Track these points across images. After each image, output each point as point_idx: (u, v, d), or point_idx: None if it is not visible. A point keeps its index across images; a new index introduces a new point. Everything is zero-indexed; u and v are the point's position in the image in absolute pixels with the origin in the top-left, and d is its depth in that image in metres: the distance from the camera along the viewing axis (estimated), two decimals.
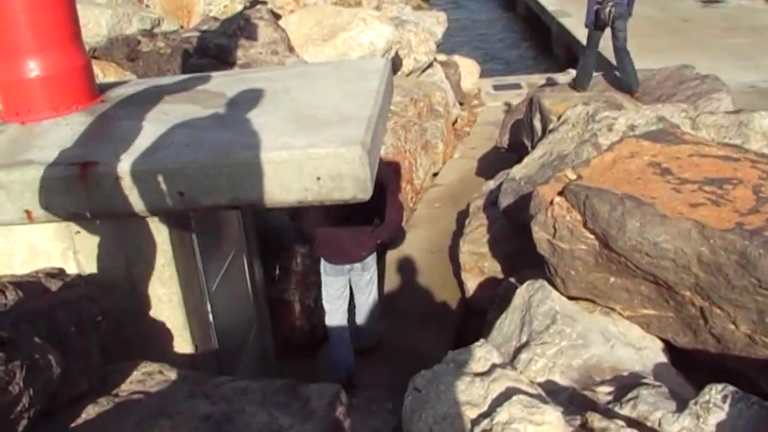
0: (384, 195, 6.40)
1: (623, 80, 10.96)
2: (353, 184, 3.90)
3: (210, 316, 5.04)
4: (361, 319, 7.14)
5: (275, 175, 3.91)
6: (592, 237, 4.58)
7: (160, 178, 3.98)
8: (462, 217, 8.55)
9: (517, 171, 6.85)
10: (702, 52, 18.68)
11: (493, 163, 10.99)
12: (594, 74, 12.20)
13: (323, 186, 3.92)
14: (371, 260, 6.82)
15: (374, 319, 7.20)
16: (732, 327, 4.25)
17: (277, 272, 7.29)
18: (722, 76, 10.13)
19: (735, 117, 6.68)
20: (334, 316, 6.87)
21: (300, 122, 4.29)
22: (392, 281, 8.37)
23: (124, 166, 4.00)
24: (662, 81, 10.23)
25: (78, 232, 4.32)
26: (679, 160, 5.02)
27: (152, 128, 4.47)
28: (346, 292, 6.89)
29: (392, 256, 8.86)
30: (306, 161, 3.89)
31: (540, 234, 4.87)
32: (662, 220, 4.25)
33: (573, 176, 4.97)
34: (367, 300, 7.02)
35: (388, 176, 6.62)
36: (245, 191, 3.98)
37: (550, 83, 14.60)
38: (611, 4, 11.10)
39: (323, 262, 6.76)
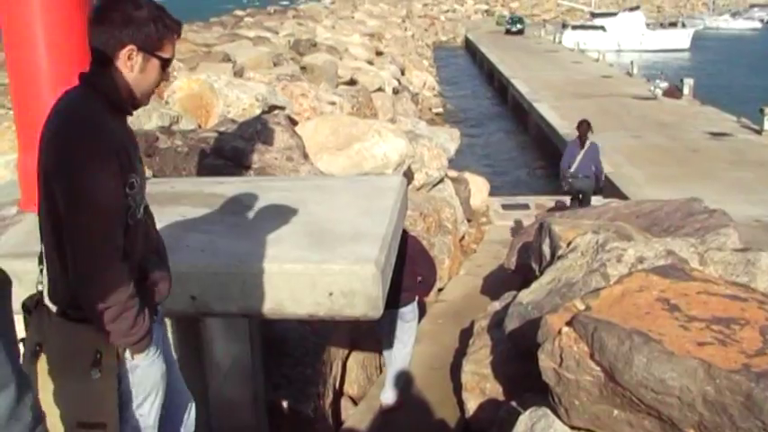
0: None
1: None
2: (365, 302, 3.94)
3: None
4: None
5: (288, 288, 3.96)
6: (598, 369, 4.57)
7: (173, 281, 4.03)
8: (465, 335, 8.53)
9: (524, 296, 6.86)
10: (709, 184, 18.94)
11: (498, 282, 11.01)
12: (605, 201, 12.52)
13: (335, 302, 3.95)
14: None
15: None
16: None
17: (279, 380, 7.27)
18: (729, 209, 10.23)
19: (742, 255, 6.72)
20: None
21: (315, 236, 4.35)
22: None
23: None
24: (671, 212, 10.30)
25: None
26: (687, 297, 5.04)
27: (168, 230, 4.52)
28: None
29: None
30: (319, 276, 3.93)
31: (546, 362, 4.86)
32: (669, 358, 4.26)
33: (582, 307, 4.99)
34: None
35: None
36: (257, 301, 4.01)
37: (559, 206, 14.83)
38: (580, 176, 12.95)
39: None
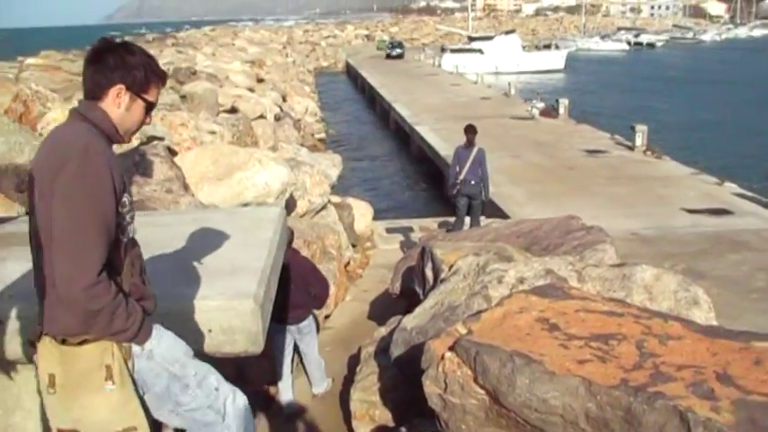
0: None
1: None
2: (245, 338, 3.88)
3: None
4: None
5: (165, 326, 3.86)
6: (482, 392, 4.59)
7: None
8: (353, 362, 8.48)
9: (409, 321, 6.86)
10: (587, 199, 19.38)
11: (385, 307, 11.01)
12: (487, 221, 12.69)
13: (213, 338, 3.88)
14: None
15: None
16: None
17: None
18: (606, 223, 10.45)
19: (618, 270, 6.88)
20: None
21: (193, 272, 4.26)
22: (280, 427, 8.21)
23: (5, 312, 3.90)
24: (550, 231, 10.47)
25: None
26: (566, 315, 5.11)
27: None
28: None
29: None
30: (197, 313, 3.85)
31: (431, 388, 4.86)
32: (550, 377, 4.30)
33: (464, 331, 5.00)
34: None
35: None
36: None
37: (443, 227, 14.97)
38: (470, 182, 14.35)
39: None
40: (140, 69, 3.46)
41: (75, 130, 3.33)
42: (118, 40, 3.59)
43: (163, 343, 3.54)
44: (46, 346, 3.36)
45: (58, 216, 3.16)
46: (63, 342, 3.32)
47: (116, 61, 3.40)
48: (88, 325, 3.25)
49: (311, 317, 8.68)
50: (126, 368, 3.37)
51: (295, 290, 8.06)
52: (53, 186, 3.17)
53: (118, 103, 3.41)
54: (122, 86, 3.40)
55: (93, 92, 3.42)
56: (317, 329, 9.10)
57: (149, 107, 3.55)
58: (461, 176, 14.43)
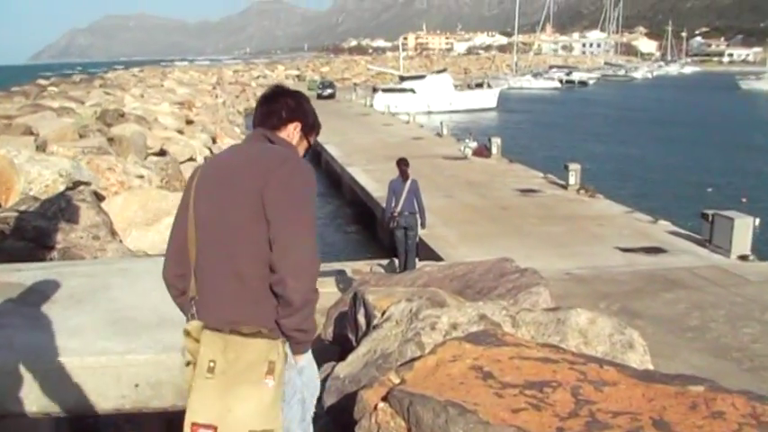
0: None
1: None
2: (174, 392, 3.83)
3: None
4: None
5: (91, 382, 3.81)
6: None
7: None
8: None
9: (341, 369, 6.83)
10: (521, 240, 19.51)
11: (317, 353, 10.87)
12: (420, 263, 12.75)
13: (141, 393, 3.83)
14: None
15: None
16: None
17: None
18: (540, 264, 10.55)
19: (553, 314, 6.93)
20: None
21: (119, 325, 4.21)
22: None
23: None
24: (483, 274, 10.53)
25: None
26: (500, 363, 5.14)
27: None
28: None
29: None
30: (124, 367, 3.81)
31: None
32: (485, 428, 4.31)
33: (397, 380, 5.00)
34: None
35: None
36: (59, 398, 3.84)
37: (376, 271, 15.02)
38: (406, 214, 14.70)
39: None
40: (312, 116, 4.07)
41: (270, 145, 3.84)
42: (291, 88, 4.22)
43: (312, 368, 3.88)
44: (209, 335, 3.54)
45: (285, 216, 3.52)
46: (233, 332, 3.53)
47: (297, 103, 4.00)
48: (303, 316, 3.56)
49: None
50: (283, 370, 3.56)
51: None
52: (267, 189, 3.52)
53: (291, 137, 3.96)
54: (299, 124, 3.98)
55: (273, 122, 3.93)
56: None
57: (306, 149, 4.09)
58: (398, 209, 14.80)
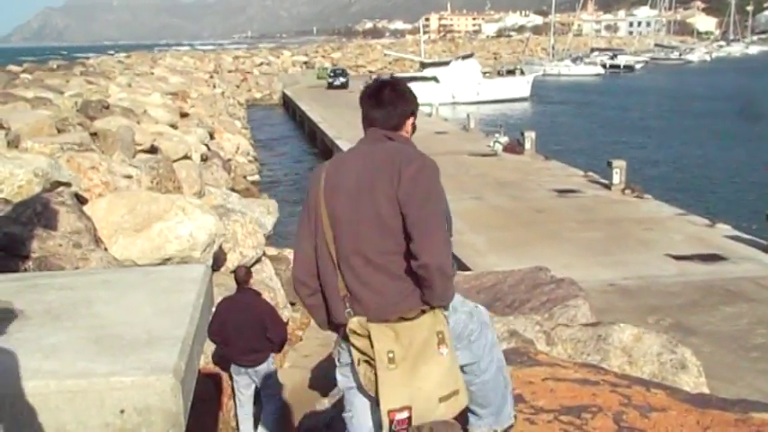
0: None
1: None
2: (164, 419, 3.81)
3: None
4: None
5: (70, 408, 3.78)
6: None
7: None
8: None
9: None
10: (557, 247, 19.39)
11: (328, 374, 10.93)
12: None
13: (127, 421, 3.80)
14: None
15: None
16: None
17: None
18: (579, 274, 10.50)
19: (593, 330, 6.91)
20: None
21: (103, 343, 4.19)
22: None
23: None
24: (515, 285, 10.52)
25: None
26: (533, 385, 5.13)
27: None
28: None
29: None
30: (107, 391, 3.78)
31: None
32: None
33: None
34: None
35: None
36: (32, 427, 3.82)
37: None
38: None
39: None
40: (417, 102, 4.56)
41: (394, 144, 4.35)
42: (388, 78, 4.88)
43: (462, 301, 4.56)
44: (377, 328, 4.07)
45: (425, 205, 4.08)
46: (399, 319, 4.09)
47: (410, 101, 4.48)
48: (445, 288, 4.15)
49: (270, 360, 9.62)
50: (449, 334, 4.20)
51: (251, 333, 9.16)
52: (400, 188, 4.06)
53: (408, 131, 4.51)
54: (413, 118, 4.51)
55: (394, 124, 4.43)
56: None
57: (413, 133, 4.59)
58: None
